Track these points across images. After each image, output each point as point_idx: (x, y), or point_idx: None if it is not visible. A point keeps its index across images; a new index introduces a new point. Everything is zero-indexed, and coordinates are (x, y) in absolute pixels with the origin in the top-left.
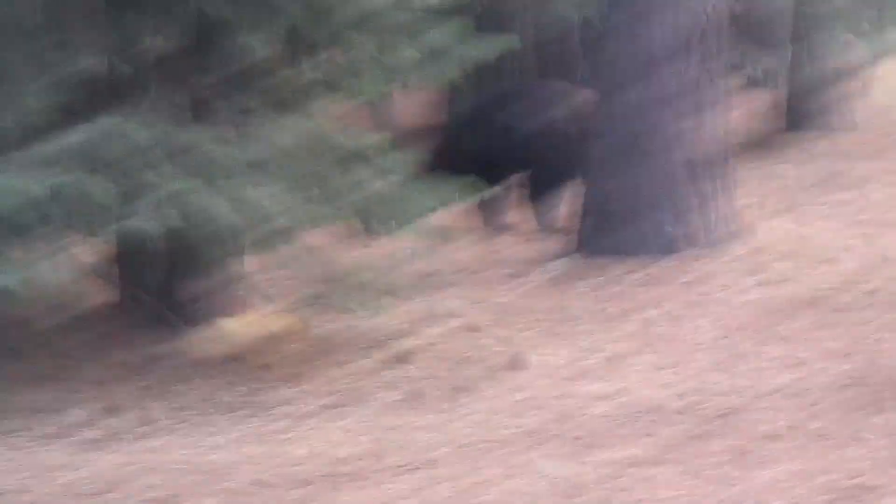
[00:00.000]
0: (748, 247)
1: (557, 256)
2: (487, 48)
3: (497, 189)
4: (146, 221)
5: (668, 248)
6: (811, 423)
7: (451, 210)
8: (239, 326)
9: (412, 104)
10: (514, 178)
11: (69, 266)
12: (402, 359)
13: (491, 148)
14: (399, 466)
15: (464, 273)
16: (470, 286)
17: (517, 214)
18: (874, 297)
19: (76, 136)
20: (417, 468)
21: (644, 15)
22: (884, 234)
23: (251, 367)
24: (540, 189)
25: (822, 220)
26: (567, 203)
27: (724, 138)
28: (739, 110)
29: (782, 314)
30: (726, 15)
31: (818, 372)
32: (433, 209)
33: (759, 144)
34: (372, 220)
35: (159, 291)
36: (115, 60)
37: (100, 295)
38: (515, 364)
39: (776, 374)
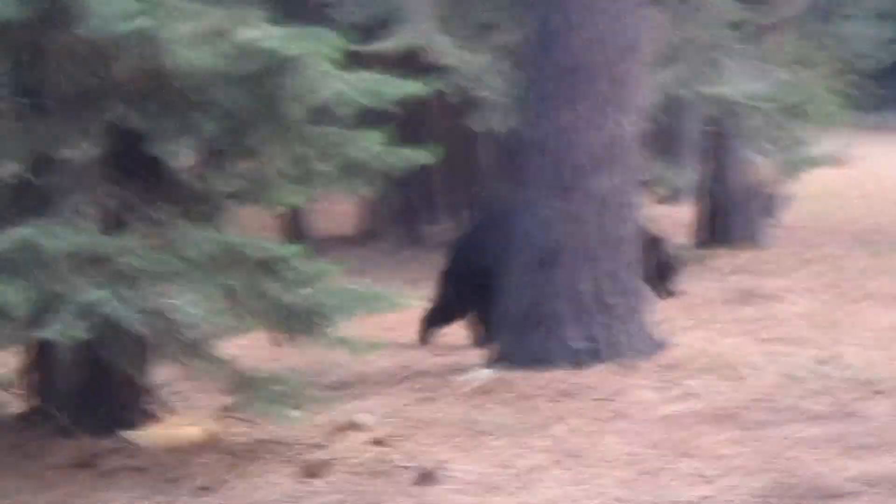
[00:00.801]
0: (659, 363)
1: (471, 370)
2: (406, 159)
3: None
4: (58, 332)
5: (579, 363)
6: None
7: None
8: (149, 438)
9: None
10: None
11: None
12: (317, 471)
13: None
14: None
15: (379, 385)
16: (384, 398)
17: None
18: (789, 413)
19: None
20: None
21: (568, 129)
22: (793, 353)
23: (165, 478)
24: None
25: (732, 337)
26: None
27: (633, 254)
28: (652, 226)
29: (692, 431)
30: (641, 134)
31: (727, 489)
32: (349, 318)
33: None
34: (288, 329)
35: (69, 402)
36: (30, 169)
37: (12, 405)
38: (426, 479)
39: (685, 492)
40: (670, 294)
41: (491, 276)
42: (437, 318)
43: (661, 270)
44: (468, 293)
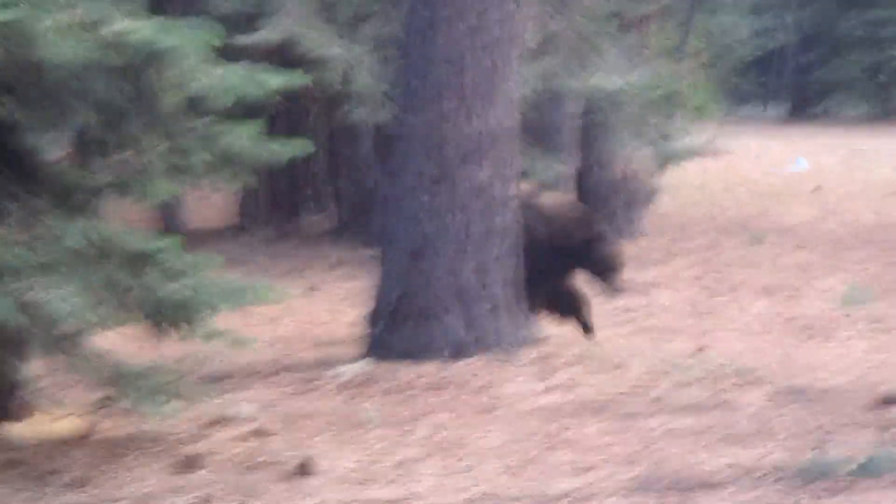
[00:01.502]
0: (538, 352)
1: (349, 361)
2: (280, 152)
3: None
4: None
5: (459, 352)
6: None
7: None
8: (25, 431)
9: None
10: None
11: None
12: (192, 463)
13: None
14: None
15: (256, 377)
16: (262, 390)
17: None
18: (661, 403)
19: None
20: None
21: (437, 121)
22: (671, 340)
23: (37, 472)
24: None
25: (611, 326)
26: None
27: (515, 243)
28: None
29: (572, 419)
30: (517, 122)
31: (605, 477)
32: (225, 311)
33: None
34: (162, 322)
35: None
36: None
37: None
38: (305, 469)
39: (564, 479)
40: (617, 290)
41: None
42: None
43: (601, 265)
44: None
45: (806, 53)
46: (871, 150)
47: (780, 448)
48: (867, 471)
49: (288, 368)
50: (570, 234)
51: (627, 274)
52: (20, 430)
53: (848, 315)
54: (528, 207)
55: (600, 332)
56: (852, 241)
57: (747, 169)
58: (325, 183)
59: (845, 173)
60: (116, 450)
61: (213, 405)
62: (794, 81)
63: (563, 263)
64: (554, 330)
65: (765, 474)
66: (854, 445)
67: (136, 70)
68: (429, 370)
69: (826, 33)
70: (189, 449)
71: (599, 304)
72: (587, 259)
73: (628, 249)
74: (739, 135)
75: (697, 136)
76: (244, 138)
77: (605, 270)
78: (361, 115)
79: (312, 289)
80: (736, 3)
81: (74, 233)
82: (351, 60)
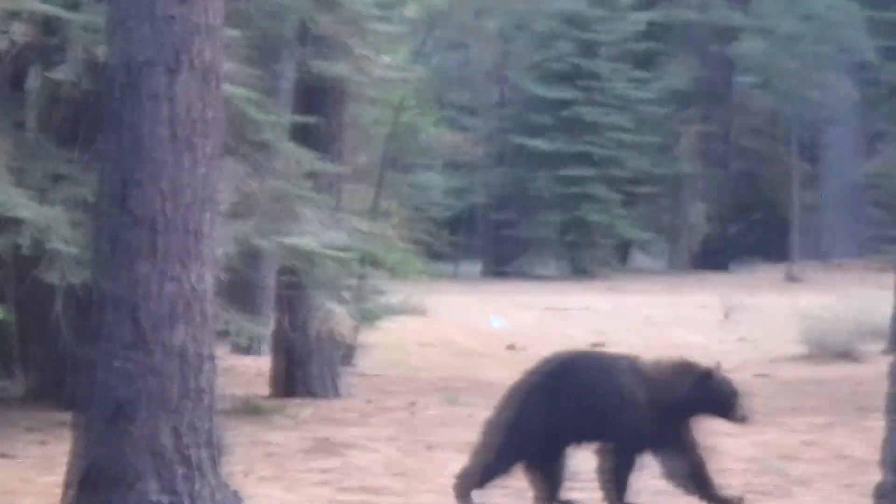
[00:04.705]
0: None
1: None
2: None
3: None
4: None
5: None
6: None
7: None
8: None
9: None
10: None
11: None
12: None
13: None
14: None
15: None
16: None
17: None
18: None
19: None
20: None
21: (130, 285)
22: (370, 502)
23: None
24: None
25: (310, 486)
26: None
27: (212, 404)
28: (226, 377)
29: None
30: (212, 284)
31: None
32: None
33: (246, 411)
34: None
35: None
36: None
37: None
38: None
39: None
40: (744, 420)
41: (563, 428)
42: (486, 474)
43: (722, 402)
44: (531, 448)
45: (498, 212)
46: (564, 308)
47: None
48: None
49: None
50: (680, 383)
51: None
52: None
53: None
54: (637, 377)
55: (299, 493)
56: None
57: (444, 328)
58: (14, 346)
59: (541, 331)
60: None
61: None
62: (487, 240)
63: (681, 417)
64: (254, 491)
65: None
66: None
67: None
68: None
69: (517, 193)
70: None
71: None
72: (704, 400)
73: (335, 407)
74: (435, 293)
75: (394, 295)
76: None
77: (724, 402)
78: (53, 277)
79: (3, 456)
80: (427, 163)
81: None
82: (41, 224)
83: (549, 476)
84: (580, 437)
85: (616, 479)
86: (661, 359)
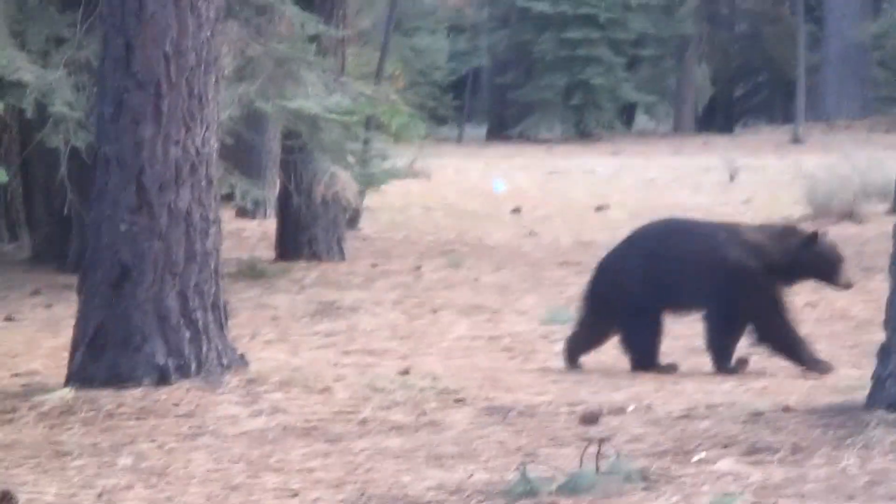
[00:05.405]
0: (242, 378)
1: (49, 391)
2: None
3: None
4: None
5: (161, 380)
6: None
7: None
8: None
9: None
10: None
11: None
12: None
13: None
14: None
15: None
16: None
17: None
18: (365, 427)
19: None
20: None
21: (134, 149)
22: (374, 364)
23: None
24: None
25: (315, 350)
26: None
27: (217, 268)
28: (231, 240)
29: (276, 445)
30: (216, 147)
31: (311, 502)
32: None
33: (251, 275)
34: None
35: None
36: None
37: None
38: (4, 502)
39: None
40: (848, 286)
41: (638, 297)
42: (580, 342)
43: (827, 267)
44: (610, 316)
45: (502, 76)
46: (567, 172)
47: (484, 469)
48: (569, 489)
49: None
50: (786, 249)
51: (337, 295)
52: None
53: (545, 336)
54: (741, 246)
55: (310, 354)
56: (550, 262)
57: (447, 191)
58: (19, 210)
59: (543, 194)
60: None
61: None
62: (491, 103)
63: (783, 282)
64: (260, 355)
65: (468, 495)
66: (555, 464)
67: None
68: (138, 395)
69: (521, 56)
70: None
71: (309, 326)
72: (810, 264)
73: (338, 270)
74: (439, 157)
75: (397, 159)
76: None
77: (828, 267)
78: (57, 140)
79: (8, 319)
80: (432, 26)
81: None
82: (43, 87)
83: (646, 341)
84: (679, 306)
85: (718, 346)
86: (763, 224)
